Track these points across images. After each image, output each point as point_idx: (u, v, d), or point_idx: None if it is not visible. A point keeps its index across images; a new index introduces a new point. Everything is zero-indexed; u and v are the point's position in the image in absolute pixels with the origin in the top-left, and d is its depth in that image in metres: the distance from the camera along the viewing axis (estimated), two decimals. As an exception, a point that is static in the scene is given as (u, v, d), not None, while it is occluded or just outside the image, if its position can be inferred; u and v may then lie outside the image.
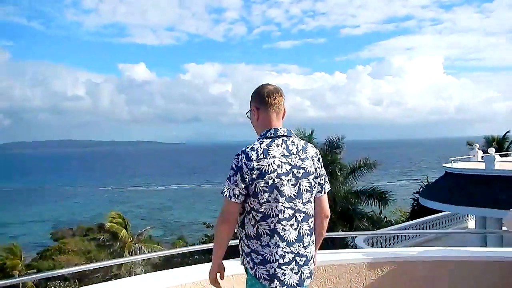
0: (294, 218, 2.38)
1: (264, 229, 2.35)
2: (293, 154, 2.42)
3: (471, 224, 18.34)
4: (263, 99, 2.50)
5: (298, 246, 2.39)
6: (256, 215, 2.36)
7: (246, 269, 2.43)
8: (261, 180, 2.32)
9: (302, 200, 2.41)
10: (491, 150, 16.55)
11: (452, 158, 16.29)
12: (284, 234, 2.36)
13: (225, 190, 2.38)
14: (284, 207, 2.35)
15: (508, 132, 27.61)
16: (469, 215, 18.12)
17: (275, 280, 2.33)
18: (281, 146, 2.41)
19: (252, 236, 2.37)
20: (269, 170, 2.33)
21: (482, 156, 17.10)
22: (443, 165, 15.67)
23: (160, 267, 26.80)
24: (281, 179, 2.35)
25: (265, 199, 2.33)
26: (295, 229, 2.38)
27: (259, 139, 2.46)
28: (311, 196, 2.47)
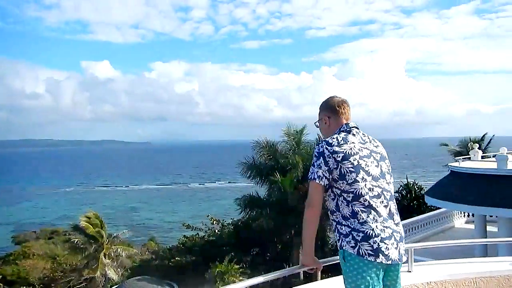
0: (383, 196, 2.51)
1: (359, 207, 2.46)
2: (368, 142, 2.66)
3: (458, 223, 18.37)
4: (334, 109, 2.73)
5: (391, 222, 2.48)
6: (347, 196, 2.48)
7: (344, 253, 2.46)
8: (346, 162, 2.49)
9: (386, 180, 2.58)
10: (503, 150, 16.84)
11: (458, 158, 16.44)
12: (379, 210, 2.46)
13: (309, 175, 2.55)
14: (372, 185, 2.50)
15: (485, 134, 28.38)
16: (455, 214, 18.16)
17: (380, 255, 2.37)
18: (357, 136, 2.64)
19: (348, 216, 2.47)
20: (352, 152, 2.52)
21: (482, 156, 17.27)
22: (449, 164, 15.69)
23: (134, 269, 25.67)
24: (364, 161, 2.54)
25: (353, 179, 2.47)
26: (385, 207, 2.50)
27: (336, 133, 2.65)
28: (391, 178, 2.65)
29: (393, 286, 2.54)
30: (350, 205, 2.47)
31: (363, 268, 2.38)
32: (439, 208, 16.24)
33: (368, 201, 2.45)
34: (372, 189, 2.49)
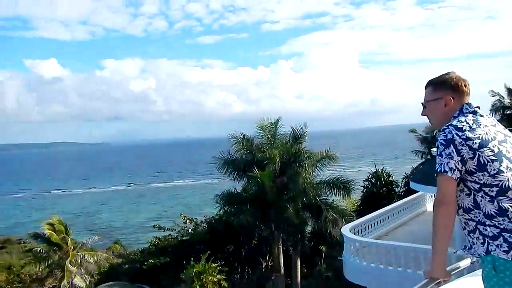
0: None
1: (507, 202, 2.06)
2: (498, 125, 2.26)
3: (429, 206, 18.75)
4: (458, 87, 2.31)
5: None
6: (490, 190, 2.08)
7: (494, 261, 2.03)
8: (485, 149, 2.08)
9: None
10: None
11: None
12: None
13: (437, 167, 2.12)
14: None
15: None
16: (427, 198, 18.52)
17: None
18: (485, 117, 2.24)
19: (494, 213, 2.07)
20: (490, 138, 2.12)
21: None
22: (432, 149, 15.77)
23: (103, 275, 24.49)
24: (504, 146, 2.13)
25: (496, 170, 2.07)
26: None
27: (457, 116, 2.23)
28: None
29: None
30: (495, 201, 2.07)
31: None
32: (416, 192, 16.69)
33: None
34: None
